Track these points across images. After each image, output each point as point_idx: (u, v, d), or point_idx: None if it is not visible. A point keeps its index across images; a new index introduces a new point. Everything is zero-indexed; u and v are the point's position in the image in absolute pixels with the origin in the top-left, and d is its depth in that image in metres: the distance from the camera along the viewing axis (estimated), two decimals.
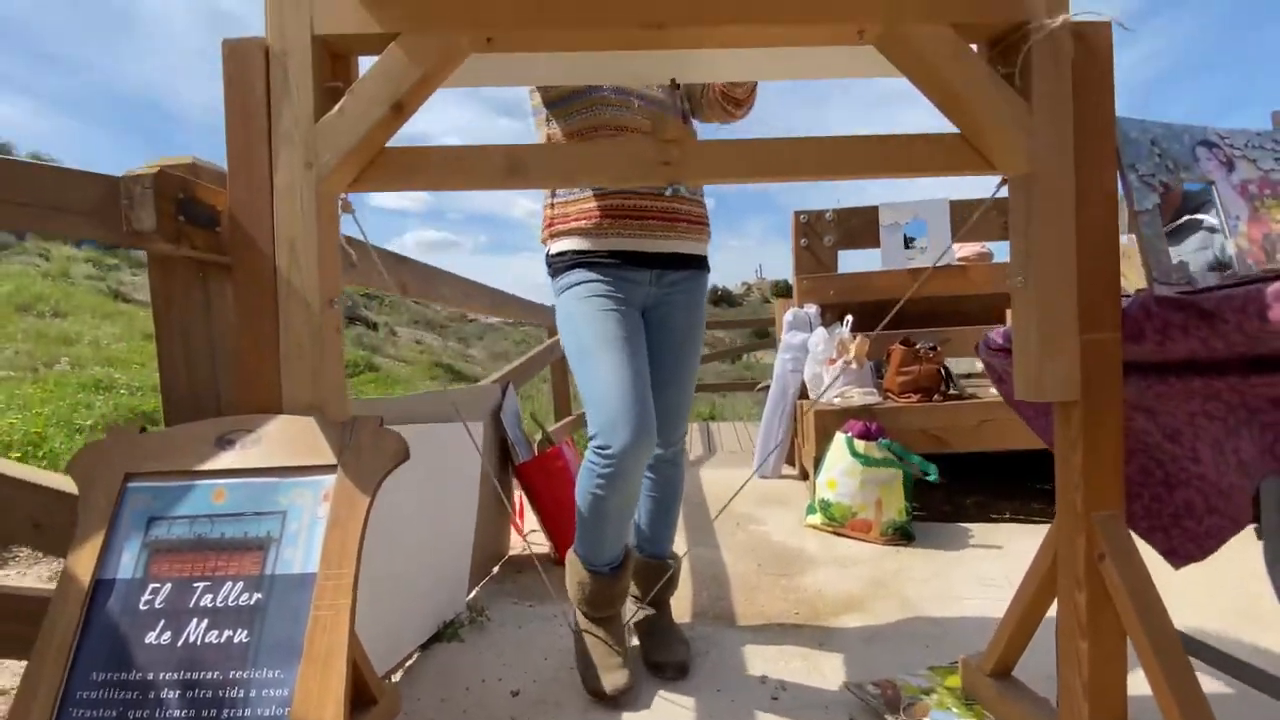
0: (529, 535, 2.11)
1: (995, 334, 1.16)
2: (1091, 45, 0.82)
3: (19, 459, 2.28)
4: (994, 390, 2.65)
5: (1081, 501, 0.84)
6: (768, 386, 4.50)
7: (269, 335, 0.80)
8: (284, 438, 0.77)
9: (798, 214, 3.04)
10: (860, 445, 2.07)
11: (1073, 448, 0.85)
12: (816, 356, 2.66)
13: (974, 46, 0.88)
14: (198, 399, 0.83)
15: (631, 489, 1.13)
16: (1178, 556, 0.97)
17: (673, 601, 1.43)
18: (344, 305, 0.84)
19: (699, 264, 1.30)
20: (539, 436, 2.12)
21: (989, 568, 1.84)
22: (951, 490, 2.67)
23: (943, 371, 2.48)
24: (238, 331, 0.80)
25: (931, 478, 2.05)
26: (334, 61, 0.84)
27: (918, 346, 2.49)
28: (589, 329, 1.15)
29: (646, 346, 1.20)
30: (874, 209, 2.91)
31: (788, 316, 2.91)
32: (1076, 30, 0.81)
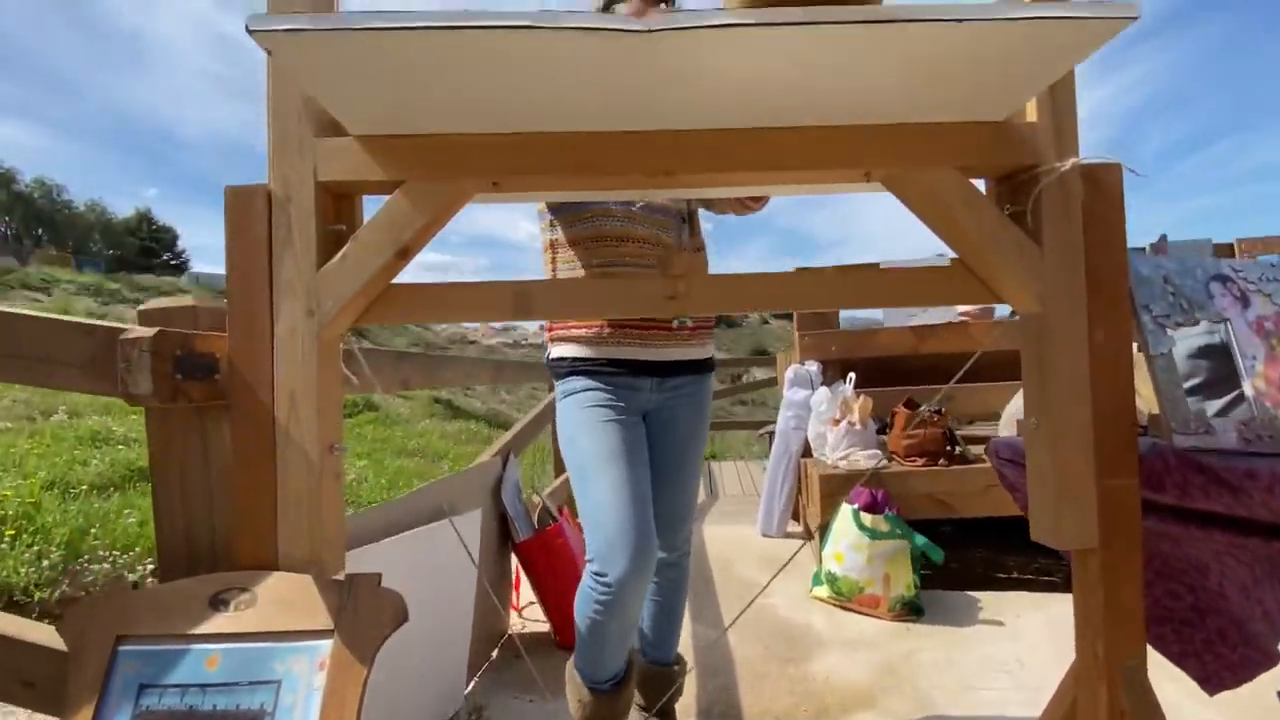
0: (527, 609, 2.07)
1: (1002, 442, 1.14)
2: (1102, 186, 0.81)
3: (12, 536, 2.25)
4: None
5: (1103, 650, 0.81)
6: (771, 431, 4.48)
7: (266, 486, 0.78)
8: (279, 598, 0.74)
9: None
10: (867, 519, 2.04)
11: (1092, 593, 0.82)
12: (820, 416, 2.64)
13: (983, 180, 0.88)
14: (193, 547, 0.81)
15: (631, 614, 1.10)
16: (1212, 684, 0.94)
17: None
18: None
19: (703, 367, 1.28)
20: (538, 504, 2.09)
21: (1000, 650, 1.80)
22: (957, 544, 2.63)
23: (948, 434, 2.46)
24: (234, 483, 0.78)
25: (938, 562, 2.02)
26: (337, 203, 0.83)
27: (922, 409, 2.48)
28: (588, 442, 1.13)
29: (648, 450, 1.18)
30: (875, 265, 2.92)
31: (789, 373, 2.89)
32: (1086, 172, 0.81)
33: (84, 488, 2.84)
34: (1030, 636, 1.88)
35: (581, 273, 1.17)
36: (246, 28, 0.56)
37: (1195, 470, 0.72)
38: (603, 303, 0.89)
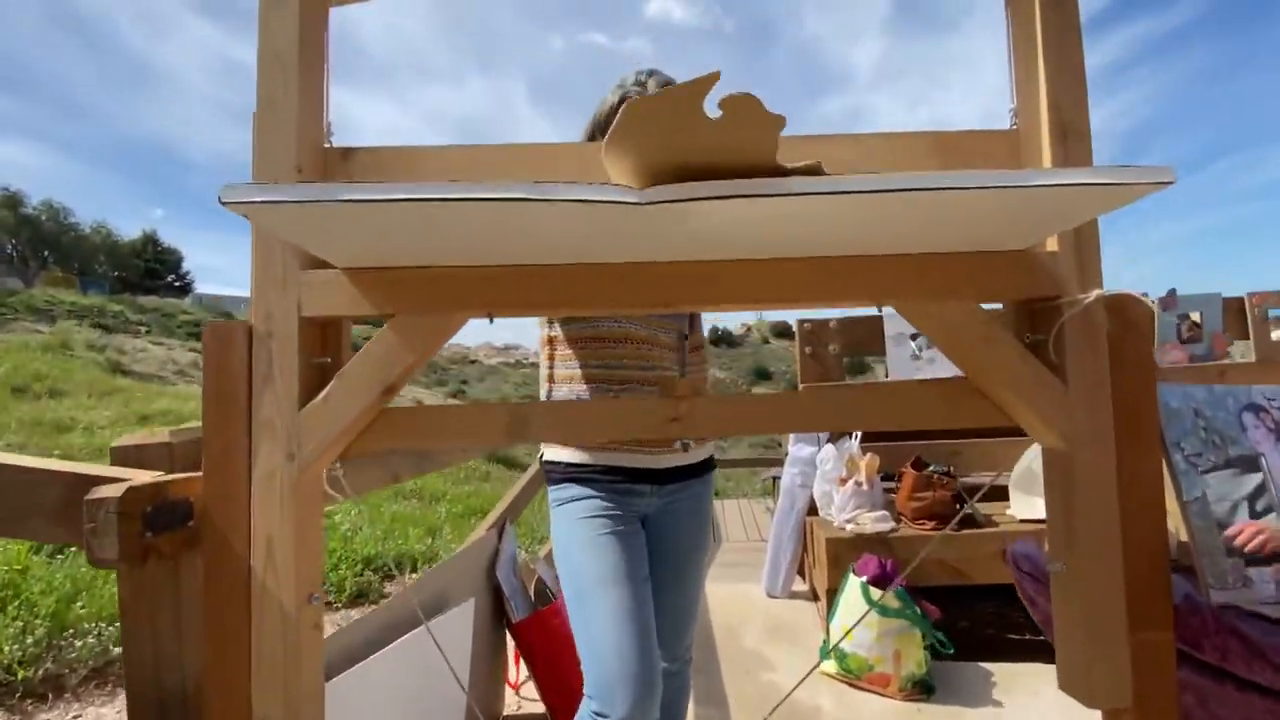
0: (525, 685, 2.00)
1: (1021, 551, 1.08)
2: (1128, 318, 0.77)
3: None
4: (1011, 510, 2.58)
5: None
6: (775, 477, 4.40)
7: (240, 639, 0.73)
8: None
9: (801, 322, 3.01)
10: (877, 594, 1.98)
11: None
12: (826, 475, 2.58)
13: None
14: (163, 698, 0.76)
15: None
16: None
17: None
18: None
19: (704, 468, 1.24)
20: (535, 574, 2.03)
21: None
22: (965, 600, 2.54)
23: (957, 496, 2.40)
24: (206, 635, 0.73)
25: (949, 651, 1.95)
26: (323, 332, 0.79)
27: (930, 470, 2.42)
28: (585, 560, 1.08)
29: (649, 555, 1.13)
30: (879, 319, 2.88)
31: None
32: (1112, 303, 0.76)
33: (73, 549, 2.78)
34: (1047, 717, 1.81)
35: (579, 372, 1.14)
36: (219, 199, 0.53)
37: (1235, 637, 0.66)
38: (602, 425, 0.84)
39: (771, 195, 0.54)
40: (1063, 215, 0.65)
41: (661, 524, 1.19)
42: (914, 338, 2.98)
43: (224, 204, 0.52)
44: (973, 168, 0.85)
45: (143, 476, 0.74)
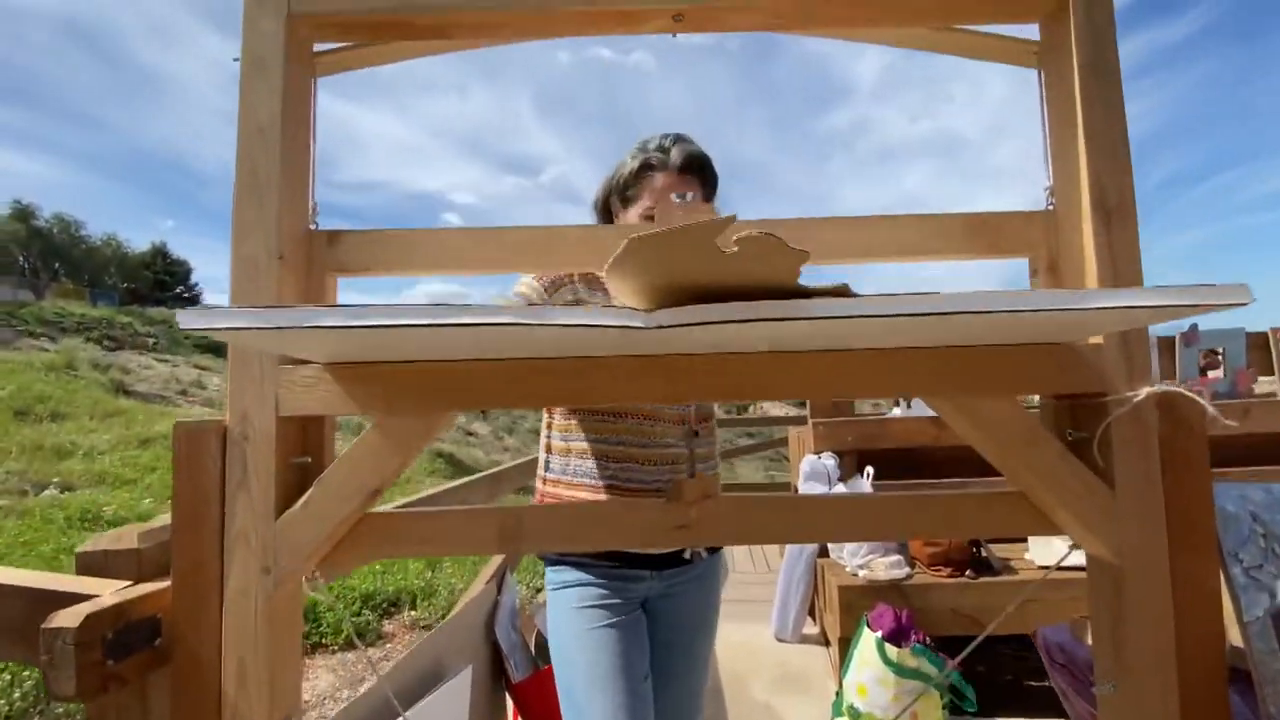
0: None
1: (1053, 640, 1.01)
2: (1180, 417, 0.71)
3: None
4: (1030, 555, 2.50)
5: None
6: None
7: None
8: None
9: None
10: (893, 652, 1.89)
11: None
12: None
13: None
14: None
15: None
16: None
17: None
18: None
19: (709, 549, 1.17)
20: (535, 627, 1.96)
21: None
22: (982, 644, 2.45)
23: (974, 542, 2.32)
24: None
25: (971, 709, 1.86)
26: (303, 429, 0.73)
27: None
28: (580, 658, 1.01)
29: (650, 641, 1.06)
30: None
31: (804, 466, 2.76)
32: (1163, 401, 0.70)
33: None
34: None
35: (576, 445, 1.08)
36: (178, 323, 0.47)
37: None
38: (601, 533, 0.77)
39: (793, 319, 0.48)
40: (1114, 323, 0.59)
41: (664, 609, 1.12)
42: None
43: (182, 329, 0.47)
44: (1009, 253, 0.79)
45: (107, 591, 0.68)
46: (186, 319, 0.46)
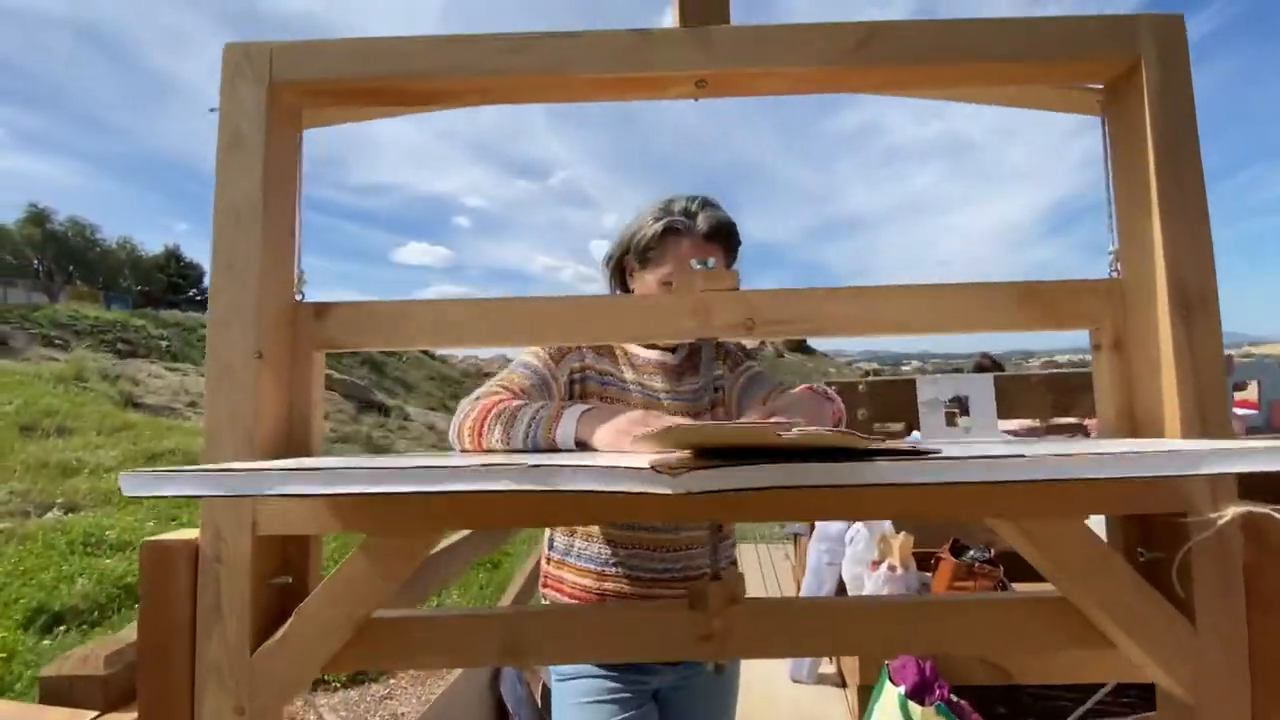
0: None
1: None
2: (1269, 543, 0.63)
3: None
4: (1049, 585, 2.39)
5: None
6: (796, 534, 4.22)
7: None
8: None
9: (829, 384, 2.85)
10: (916, 711, 1.80)
11: None
12: (858, 556, 2.41)
13: None
14: None
15: None
16: None
17: None
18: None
19: None
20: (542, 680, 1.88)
21: None
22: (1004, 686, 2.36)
23: (1001, 586, 2.22)
24: None
25: None
26: (283, 547, 0.66)
27: (971, 555, 2.24)
28: None
29: None
30: (910, 381, 2.72)
31: (816, 528, 2.68)
32: (1250, 522, 0.62)
33: (62, 629, 2.66)
34: None
35: (581, 527, 1.00)
36: (120, 488, 0.40)
37: None
38: (615, 643, 0.70)
39: (850, 486, 0.40)
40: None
41: (676, 701, 1.04)
42: (949, 402, 2.81)
43: (125, 495, 0.40)
44: (1067, 325, 0.71)
45: None
46: (130, 484, 0.39)
